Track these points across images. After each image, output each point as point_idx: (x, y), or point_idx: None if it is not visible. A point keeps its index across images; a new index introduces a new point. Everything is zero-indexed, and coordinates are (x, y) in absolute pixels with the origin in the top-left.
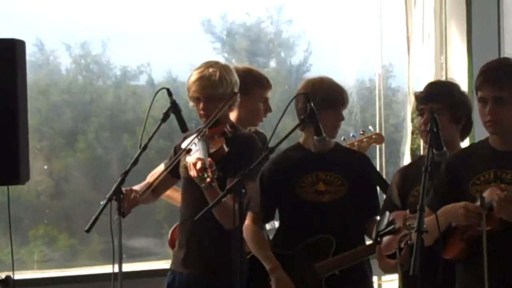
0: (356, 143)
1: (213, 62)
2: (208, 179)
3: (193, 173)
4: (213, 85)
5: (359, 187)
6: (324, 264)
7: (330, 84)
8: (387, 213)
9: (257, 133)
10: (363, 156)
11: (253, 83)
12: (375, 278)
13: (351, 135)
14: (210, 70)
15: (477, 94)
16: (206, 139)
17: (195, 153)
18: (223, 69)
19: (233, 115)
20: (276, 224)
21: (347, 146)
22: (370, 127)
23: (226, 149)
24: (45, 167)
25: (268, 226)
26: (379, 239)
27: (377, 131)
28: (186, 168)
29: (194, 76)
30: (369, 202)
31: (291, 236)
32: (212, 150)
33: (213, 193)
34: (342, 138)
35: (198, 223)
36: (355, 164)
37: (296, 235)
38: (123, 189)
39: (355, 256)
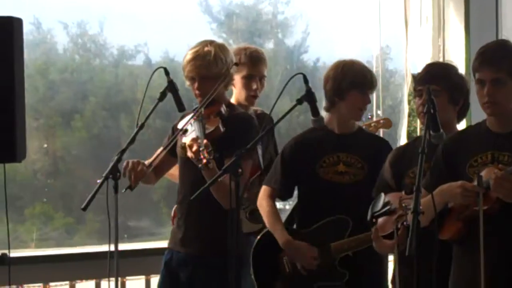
0: (364, 127)
1: (209, 41)
2: (204, 160)
3: (189, 154)
4: (208, 65)
5: (378, 172)
6: (338, 245)
7: (360, 66)
8: (382, 194)
9: (263, 114)
10: (385, 142)
11: (247, 63)
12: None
13: None
14: (205, 49)
15: (474, 76)
16: (202, 119)
17: (191, 134)
18: (218, 48)
19: (233, 96)
20: (287, 206)
21: None
22: (379, 112)
23: (222, 129)
24: (45, 145)
25: (278, 205)
26: (374, 220)
27: (374, 113)
28: (182, 148)
29: (189, 56)
30: None
31: (308, 215)
32: (208, 131)
33: (210, 173)
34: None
35: (195, 203)
36: (376, 149)
37: (313, 214)
38: (130, 160)
39: (370, 238)
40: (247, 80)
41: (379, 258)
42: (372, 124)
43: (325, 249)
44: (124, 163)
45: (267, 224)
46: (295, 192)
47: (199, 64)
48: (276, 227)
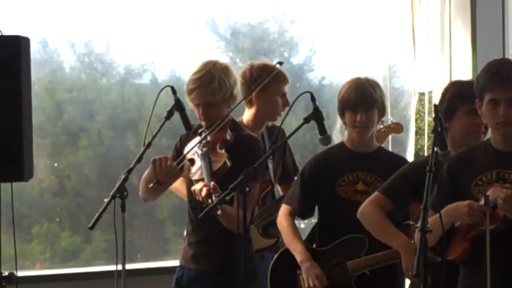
0: (375, 133)
1: (211, 64)
2: (217, 211)
3: (199, 198)
4: (213, 93)
5: None
6: (355, 263)
7: (351, 86)
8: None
9: (274, 127)
10: (404, 160)
11: (270, 79)
12: None
13: None
14: (209, 76)
15: (482, 96)
16: (208, 154)
17: (197, 171)
18: (222, 72)
19: (251, 111)
20: (301, 225)
21: None
22: (390, 117)
23: (228, 163)
24: (55, 164)
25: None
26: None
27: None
28: (190, 169)
29: (193, 83)
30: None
31: (326, 233)
32: (215, 168)
33: (222, 217)
34: None
35: (206, 221)
36: (396, 167)
37: (331, 233)
38: (156, 157)
39: (387, 257)
40: (283, 98)
41: (395, 277)
42: (383, 130)
43: (342, 268)
44: (152, 161)
45: (285, 242)
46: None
47: (205, 92)
48: (294, 245)
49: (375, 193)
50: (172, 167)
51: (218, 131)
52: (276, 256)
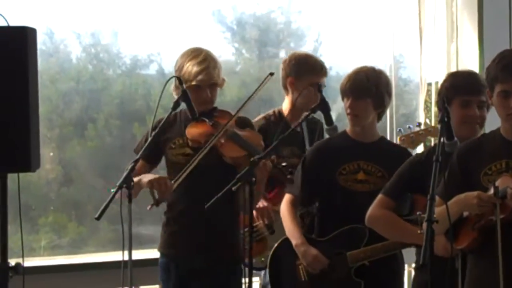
0: (412, 135)
1: (203, 49)
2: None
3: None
4: (218, 73)
5: None
6: (355, 254)
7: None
8: (409, 194)
9: (314, 119)
10: (405, 151)
11: (305, 69)
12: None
13: (407, 126)
14: (210, 58)
15: (493, 87)
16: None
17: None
18: (213, 55)
19: (288, 99)
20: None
21: (403, 138)
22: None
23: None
24: (63, 155)
25: None
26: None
27: (388, 121)
28: (184, 155)
29: (200, 65)
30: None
31: (327, 222)
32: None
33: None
34: (398, 129)
35: (200, 209)
36: (397, 158)
37: (332, 222)
38: (152, 178)
39: (386, 248)
40: (315, 89)
41: (395, 268)
42: (420, 132)
43: (341, 258)
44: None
45: (285, 230)
46: None
47: (212, 73)
48: (292, 232)
49: (379, 196)
50: (172, 186)
51: (224, 115)
52: (276, 245)
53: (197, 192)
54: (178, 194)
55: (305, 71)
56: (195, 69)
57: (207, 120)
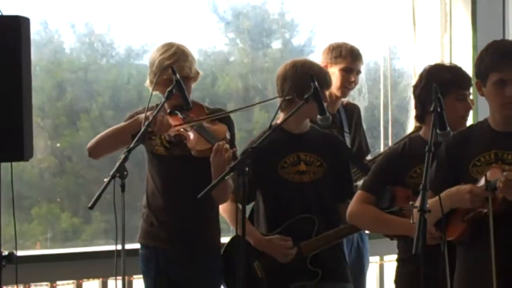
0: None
1: (175, 44)
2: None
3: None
4: (190, 67)
5: (334, 169)
6: (308, 244)
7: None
8: (388, 187)
9: (351, 105)
10: (335, 137)
11: (336, 54)
12: (376, 258)
13: None
14: (181, 51)
15: (485, 76)
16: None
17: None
18: (186, 49)
19: None
20: None
21: None
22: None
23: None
24: (58, 144)
25: None
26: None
27: (382, 112)
28: (165, 146)
29: (170, 58)
30: (343, 184)
31: (273, 216)
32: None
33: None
34: None
35: (181, 199)
36: (330, 145)
37: (278, 216)
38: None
39: (338, 234)
40: (346, 73)
41: (341, 257)
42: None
43: (296, 249)
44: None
45: (235, 228)
46: None
47: (183, 65)
48: (248, 231)
49: (358, 192)
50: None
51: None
52: (227, 243)
53: (174, 183)
54: (156, 186)
55: (336, 56)
56: (166, 62)
57: (178, 113)
